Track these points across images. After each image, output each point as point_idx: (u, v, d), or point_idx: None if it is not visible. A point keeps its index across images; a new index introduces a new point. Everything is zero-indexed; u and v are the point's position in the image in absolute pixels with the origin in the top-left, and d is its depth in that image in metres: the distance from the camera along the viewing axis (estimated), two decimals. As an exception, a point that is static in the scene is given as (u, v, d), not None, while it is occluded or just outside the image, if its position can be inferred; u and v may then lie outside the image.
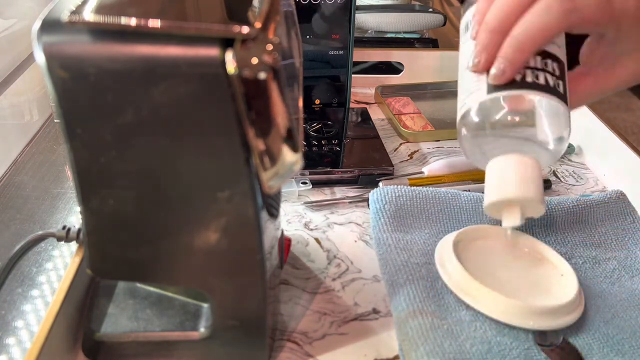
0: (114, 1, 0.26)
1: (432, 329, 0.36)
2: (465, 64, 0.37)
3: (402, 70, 0.76)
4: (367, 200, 0.50)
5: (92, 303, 0.37)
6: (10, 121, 0.59)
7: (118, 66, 0.24)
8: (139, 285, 0.38)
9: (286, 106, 0.26)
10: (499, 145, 0.37)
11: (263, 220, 0.30)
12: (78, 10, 0.24)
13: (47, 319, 0.32)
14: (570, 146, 0.62)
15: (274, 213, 0.35)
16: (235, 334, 0.34)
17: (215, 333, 0.34)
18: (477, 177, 0.56)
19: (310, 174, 0.54)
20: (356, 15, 0.64)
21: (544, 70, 0.35)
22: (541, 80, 0.35)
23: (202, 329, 0.35)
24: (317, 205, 0.52)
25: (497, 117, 0.36)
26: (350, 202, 0.52)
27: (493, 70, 0.34)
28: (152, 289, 0.38)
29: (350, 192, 0.54)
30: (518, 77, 0.35)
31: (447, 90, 0.75)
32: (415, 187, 0.49)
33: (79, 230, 0.35)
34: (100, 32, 0.24)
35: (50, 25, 0.25)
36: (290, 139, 0.26)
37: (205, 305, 0.36)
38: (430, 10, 0.87)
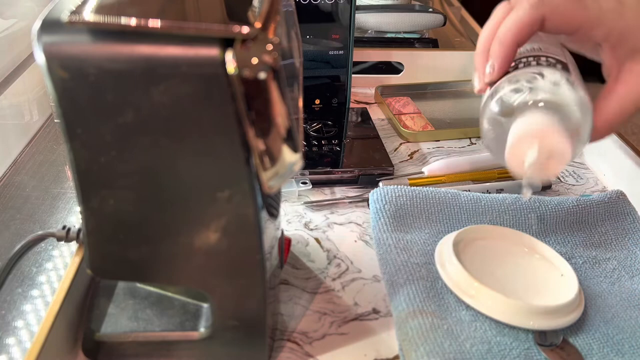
0: (114, 1, 0.26)
1: (432, 329, 0.36)
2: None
3: (402, 70, 0.76)
4: (367, 200, 0.50)
5: (92, 303, 0.37)
6: (10, 121, 0.59)
7: (118, 66, 0.24)
8: (139, 285, 0.38)
9: (286, 106, 0.26)
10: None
11: (263, 220, 0.30)
12: (78, 10, 0.24)
13: (47, 319, 0.32)
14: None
15: (274, 213, 0.35)
16: (235, 334, 0.34)
17: (215, 333, 0.34)
18: (477, 177, 0.56)
19: (310, 174, 0.54)
20: (356, 15, 0.64)
21: (537, 61, 0.36)
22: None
23: (202, 329, 0.35)
24: (317, 205, 0.52)
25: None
26: (350, 202, 0.52)
27: (487, 70, 0.37)
28: (152, 289, 0.38)
29: (350, 192, 0.54)
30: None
31: (447, 90, 0.75)
32: (415, 187, 0.49)
33: (79, 230, 0.35)
34: (100, 32, 0.24)
35: (50, 25, 0.25)
36: (290, 139, 0.26)
37: (205, 305, 0.36)
38: (430, 10, 0.87)
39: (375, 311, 0.41)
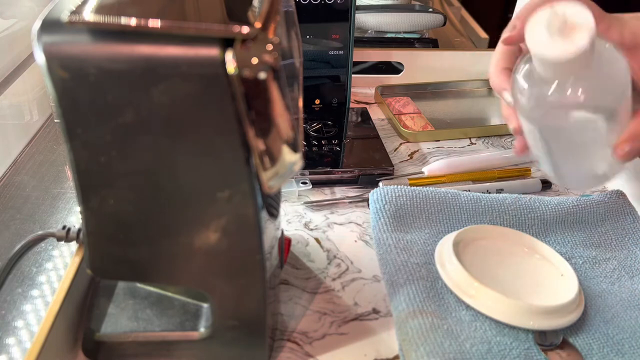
0: (114, 1, 0.26)
1: (432, 329, 0.36)
2: None
3: (402, 70, 0.76)
4: (367, 200, 0.50)
5: (92, 303, 0.37)
6: (10, 121, 0.59)
7: (118, 66, 0.24)
8: (139, 285, 0.38)
9: (286, 106, 0.26)
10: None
11: (263, 220, 0.30)
12: (78, 10, 0.24)
13: (47, 319, 0.32)
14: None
15: (274, 213, 0.35)
16: (235, 334, 0.34)
17: (215, 333, 0.34)
18: (477, 177, 0.56)
19: (310, 174, 0.54)
20: (356, 15, 0.64)
21: None
22: None
23: (202, 329, 0.35)
24: (317, 205, 0.52)
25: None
26: (350, 202, 0.52)
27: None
28: (152, 289, 0.38)
29: (350, 192, 0.54)
30: None
31: (447, 90, 0.75)
32: (415, 187, 0.49)
33: (79, 230, 0.35)
34: (100, 32, 0.24)
35: (50, 25, 0.25)
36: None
37: (205, 305, 0.36)
38: (430, 10, 0.87)
39: (375, 311, 0.41)
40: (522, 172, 0.58)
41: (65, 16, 0.24)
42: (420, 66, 0.76)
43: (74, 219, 0.48)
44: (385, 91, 0.73)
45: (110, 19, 0.24)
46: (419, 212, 0.47)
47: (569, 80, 0.33)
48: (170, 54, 0.24)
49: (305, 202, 0.52)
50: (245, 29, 0.24)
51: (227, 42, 0.24)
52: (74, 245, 0.40)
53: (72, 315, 0.35)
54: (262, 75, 0.24)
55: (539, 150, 0.38)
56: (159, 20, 0.24)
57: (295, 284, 0.43)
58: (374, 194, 0.48)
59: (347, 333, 0.39)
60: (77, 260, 0.36)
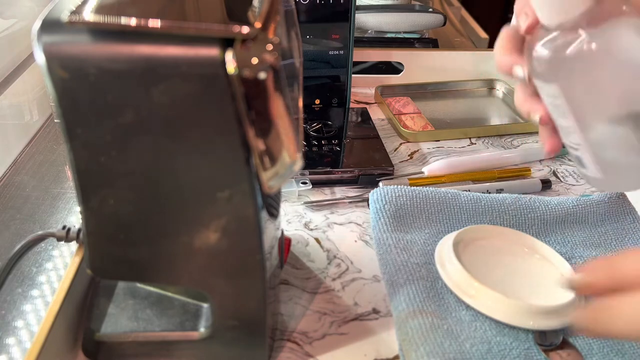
0: (114, 1, 0.26)
1: (432, 329, 0.36)
2: None
3: (402, 70, 0.76)
4: (367, 200, 0.50)
5: (92, 303, 0.37)
6: (10, 121, 0.59)
7: (118, 66, 0.24)
8: (139, 285, 0.38)
9: (286, 106, 0.26)
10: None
11: (263, 220, 0.30)
12: (78, 10, 0.24)
13: (47, 319, 0.32)
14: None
15: (274, 213, 0.35)
16: (235, 334, 0.34)
17: (215, 333, 0.34)
18: (477, 177, 0.56)
19: (310, 174, 0.54)
20: (356, 15, 0.64)
21: None
22: None
23: (202, 329, 0.35)
24: (317, 205, 0.52)
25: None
26: (350, 202, 0.52)
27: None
28: (152, 289, 0.38)
29: (350, 192, 0.54)
30: None
31: (447, 90, 0.75)
32: (415, 187, 0.49)
33: (79, 230, 0.35)
34: (100, 32, 0.24)
35: (50, 25, 0.25)
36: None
37: (205, 305, 0.36)
38: (430, 10, 0.87)
39: (375, 311, 0.41)
40: (522, 172, 0.58)
41: (65, 16, 0.24)
42: (420, 66, 0.76)
43: (74, 219, 0.48)
44: (385, 91, 0.73)
45: (110, 19, 0.24)
46: (419, 212, 0.47)
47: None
48: (170, 54, 0.24)
49: (305, 202, 0.52)
50: (245, 29, 0.24)
51: (227, 42, 0.24)
52: (74, 245, 0.40)
53: (72, 315, 0.35)
54: (262, 75, 0.24)
55: (570, 132, 0.34)
56: (159, 20, 0.24)
57: (295, 284, 0.43)
58: (374, 194, 0.48)
59: (347, 333, 0.39)
60: (77, 260, 0.36)
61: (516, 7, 0.36)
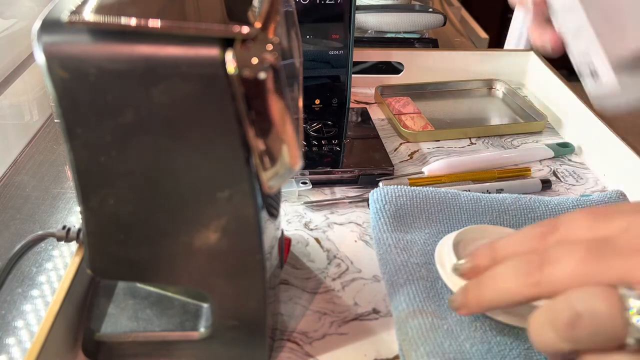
0: (114, 1, 0.26)
1: (432, 329, 0.36)
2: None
3: (402, 70, 0.76)
4: (367, 200, 0.50)
5: (92, 303, 0.37)
6: (10, 121, 0.59)
7: (118, 66, 0.24)
8: (139, 285, 0.38)
9: (286, 106, 0.26)
10: None
11: (263, 220, 0.30)
12: (78, 10, 0.24)
13: (47, 319, 0.32)
14: (570, 146, 0.62)
15: (274, 213, 0.35)
16: (235, 334, 0.34)
17: (215, 333, 0.34)
18: (477, 177, 0.56)
19: (310, 174, 0.54)
20: (356, 15, 0.64)
21: None
22: None
23: (202, 329, 0.35)
24: (317, 205, 0.52)
25: None
26: (350, 202, 0.52)
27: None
28: (152, 289, 0.38)
29: (350, 192, 0.54)
30: None
31: (447, 90, 0.75)
32: (415, 187, 0.49)
33: (79, 230, 0.35)
34: (100, 32, 0.24)
35: (50, 25, 0.25)
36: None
37: (205, 305, 0.36)
38: (430, 10, 0.87)
39: (375, 311, 0.41)
40: (522, 172, 0.58)
41: (65, 16, 0.24)
42: (420, 66, 0.76)
43: (74, 219, 0.48)
44: (385, 91, 0.73)
45: (110, 19, 0.24)
46: (419, 212, 0.47)
47: None
48: (170, 54, 0.24)
49: (305, 202, 0.52)
50: (245, 29, 0.24)
51: (227, 42, 0.24)
52: (74, 245, 0.40)
53: (72, 315, 0.35)
54: (262, 75, 0.24)
55: (582, 31, 0.34)
56: (159, 20, 0.24)
57: (295, 284, 0.43)
58: (374, 194, 0.48)
59: (347, 333, 0.39)
60: (77, 260, 0.36)
61: None
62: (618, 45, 0.33)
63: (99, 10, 0.24)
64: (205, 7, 0.26)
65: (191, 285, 0.34)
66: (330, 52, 0.65)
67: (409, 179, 0.55)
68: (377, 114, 0.69)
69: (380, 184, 0.53)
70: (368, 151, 0.58)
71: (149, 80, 0.25)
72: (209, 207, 0.29)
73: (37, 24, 0.25)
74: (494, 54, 0.78)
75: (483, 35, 0.99)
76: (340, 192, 0.54)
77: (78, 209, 0.29)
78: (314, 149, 0.58)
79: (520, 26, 0.95)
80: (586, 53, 0.34)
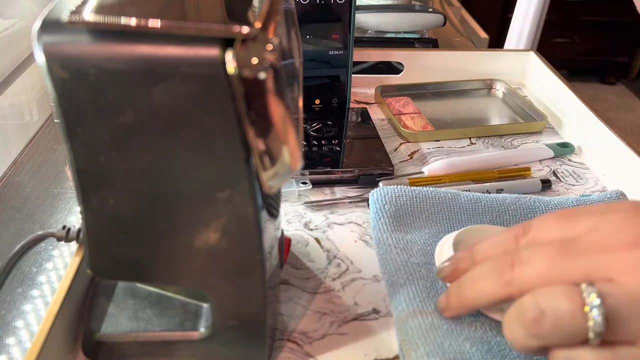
0: (114, 1, 0.26)
1: (432, 329, 0.36)
2: None
3: (402, 70, 0.76)
4: (367, 200, 0.50)
5: (92, 303, 0.37)
6: (10, 121, 0.59)
7: (118, 66, 0.24)
8: (139, 285, 0.38)
9: (286, 106, 0.26)
10: None
11: (263, 220, 0.30)
12: (78, 10, 0.24)
13: (47, 319, 0.32)
14: (570, 146, 0.62)
15: (274, 213, 0.35)
16: (235, 334, 0.34)
17: (215, 333, 0.34)
18: (477, 177, 0.56)
19: (310, 174, 0.54)
20: (356, 15, 0.64)
21: None
22: None
23: (202, 329, 0.35)
24: (317, 205, 0.52)
25: None
26: (350, 202, 0.52)
27: None
28: (152, 289, 0.38)
29: (350, 192, 0.54)
30: None
31: (447, 90, 0.75)
32: (415, 187, 0.49)
33: (79, 230, 0.35)
34: (100, 32, 0.24)
35: (50, 25, 0.25)
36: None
37: (205, 305, 0.36)
38: (430, 10, 0.87)
39: (375, 311, 0.41)
40: (522, 172, 0.58)
41: (65, 16, 0.24)
42: (420, 66, 0.76)
43: (74, 219, 0.48)
44: (385, 91, 0.73)
45: (110, 19, 0.24)
46: (419, 212, 0.47)
47: None
48: (170, 54, 0.24)
49: (305, 202, 0.52)
50: (245, 29, 0.24)
51: (227, 42, 0.24)
52: (74, 245, 0.40)
53: (72, 315, 0.35)
54: (262, 75, 0.24)
55: None
56: (159, 20, 0.24)
57: (295, 284, 0.43)
58: (374, 194, 0.48)
59: (347, 333, 0.39)
60: (77, 260, 0.36)
61: None
62: None
63: (99, 10, 0.24)
64: (205, 7, 0.26)
65: (191, 285, 0.34)
66: (330, 52, 0.65)
67: (409, 179, 0.55)
68: (377, 114, 0.69)
69: (380, 184, 0.53)
70: (368, 151, 0.58)
71: (149, 80, 0.25)
72: (209, 207, 0.29)
73: (37, 24, 0.25)
74: (494, 54, 0.78)
75: (483, 35, 0.99)
76: (340, 192, 0.54)
77: (78, 209, 0.29)
78: (314, 149, 0.58)
79: (520, 26, 0.95)
80: None
